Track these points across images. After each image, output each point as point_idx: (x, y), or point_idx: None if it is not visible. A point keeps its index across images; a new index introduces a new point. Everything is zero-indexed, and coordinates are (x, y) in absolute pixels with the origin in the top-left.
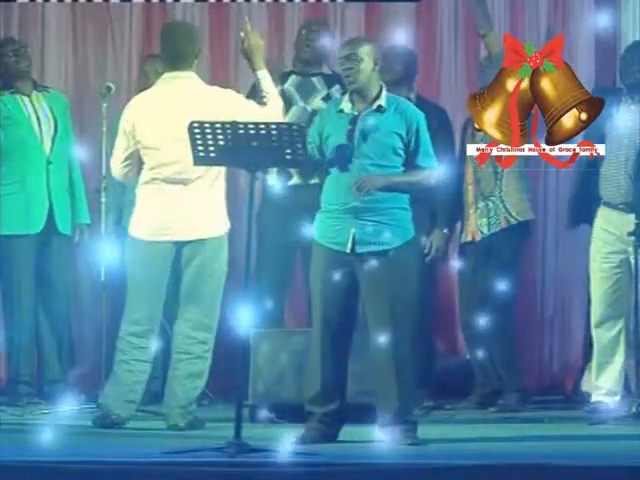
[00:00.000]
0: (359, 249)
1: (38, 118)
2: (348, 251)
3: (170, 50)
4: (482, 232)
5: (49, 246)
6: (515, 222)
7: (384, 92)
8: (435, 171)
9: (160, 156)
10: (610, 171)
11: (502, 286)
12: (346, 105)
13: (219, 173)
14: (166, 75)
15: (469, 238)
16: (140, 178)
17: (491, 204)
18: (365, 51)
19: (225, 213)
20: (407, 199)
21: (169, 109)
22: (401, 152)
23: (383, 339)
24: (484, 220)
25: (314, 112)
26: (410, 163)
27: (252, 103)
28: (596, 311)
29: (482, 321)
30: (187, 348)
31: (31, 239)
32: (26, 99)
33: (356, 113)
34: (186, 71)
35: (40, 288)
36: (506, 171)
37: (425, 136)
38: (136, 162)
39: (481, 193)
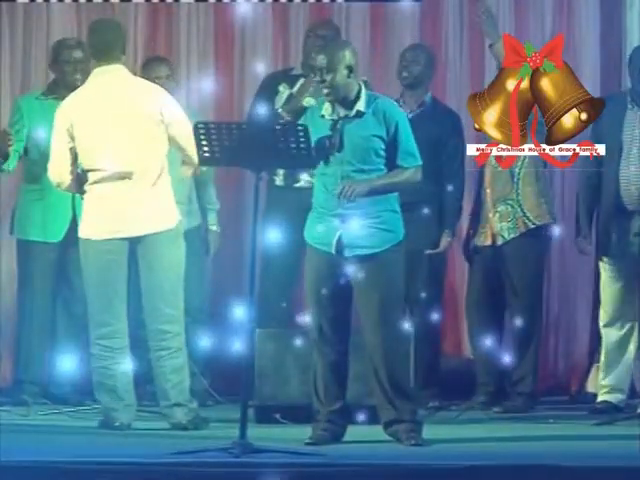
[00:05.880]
0: (347, 253)
1: None
2: (333, 252)
3: (97, 44)
4: (503, 237)
5: (70, 254)
6: (533, 226)
7: (363, 93)
8: (418, 170)
9: (101, 153)
10: (620, 173)
11: (527, 291)
12: (327, 110)
13: (163, 166)
14: (96, 70)
15: (488, 242)
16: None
17: (510, 208)
18: (338, 60)
19: (174, 205)
20: (396, 201)
21: (105, 103)
22: (383, 153)
23: (376, 340)
24: (504, 224)
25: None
26: (391, 162)
27: (179, 108)
28: (606, 310)
29: (490, 325)
30: (165, 344)
31: (51, 247)
32: None
33: (336, 118)
34: (115, 64)
35: (60, 290)
36: (522, 174)
37: (406, 135)
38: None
39: (499, 196)
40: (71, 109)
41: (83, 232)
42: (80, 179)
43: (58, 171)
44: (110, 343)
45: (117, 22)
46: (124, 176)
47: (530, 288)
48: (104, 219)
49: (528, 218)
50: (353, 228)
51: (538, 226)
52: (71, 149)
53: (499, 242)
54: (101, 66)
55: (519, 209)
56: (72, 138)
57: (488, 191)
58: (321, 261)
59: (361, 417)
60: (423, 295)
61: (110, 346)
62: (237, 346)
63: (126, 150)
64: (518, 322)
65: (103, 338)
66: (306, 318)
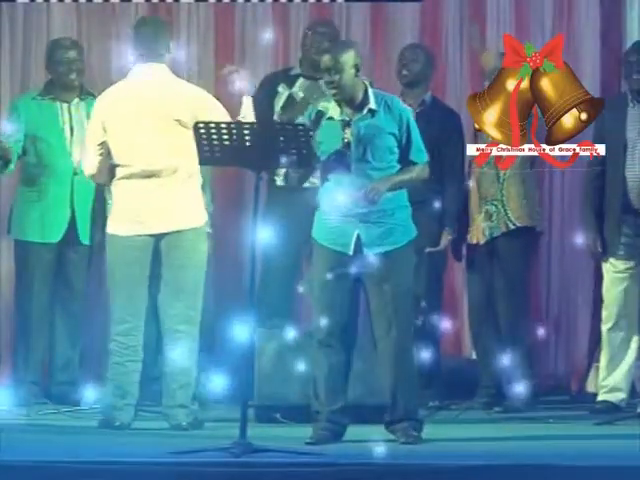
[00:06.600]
0: (367, 251)
1: (72, 127)
2: (351, 253)
3: (140, 41)
4: (485, 235)
5: (69, 254)
6: (514, 227)
7: (370, 92)
8: (427, 165)
9: (132, 149)
10: (627, 172)
11: (505, 291)
12: (335, 111)
13: (195, 166)
14: (136, 67)
15: (474, 241)
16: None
17: (494, 208)
18: (345, 60)
19: (202, 205)
20: (406, 195)
21: (139, 101)
22: (396, 150)
23: (390, 337)
24: (487, 224)
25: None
26: (403, 159)
27: (221, 109)
28: (610, 311)
29: (490, 326)
30: (177, 344)
31: (49, 247)
32: (65, 106)
33: (347, 119)
34: (156, 62)
35: (58, 291)
36: (508, 175)
37: (415, 131)
38: (107, 157)
39: (485, 196)
40: (107, 103)
41: (110, 227)
42: (113, 173)
43: (92, 164)
44: (126, 340)
45: (163, 20)
46: (153, 174)
47: (512, 287)
48: (131, 215)
49: (509, 218)
50: (372, 227)
51: (518, 227)
52: (104, 143)
53: (482, 241)
54: (142, 63)
55: (502, 209)
56: (105, 132)
57: (475, 190)
58: (334, 261)
59: (361, 417)
60: (423, 294)
61: (125, 343)
62: (237, 346)
63: (156, 148)
64: (506, 322)
65: (120, 335)
66: (312, 318)
